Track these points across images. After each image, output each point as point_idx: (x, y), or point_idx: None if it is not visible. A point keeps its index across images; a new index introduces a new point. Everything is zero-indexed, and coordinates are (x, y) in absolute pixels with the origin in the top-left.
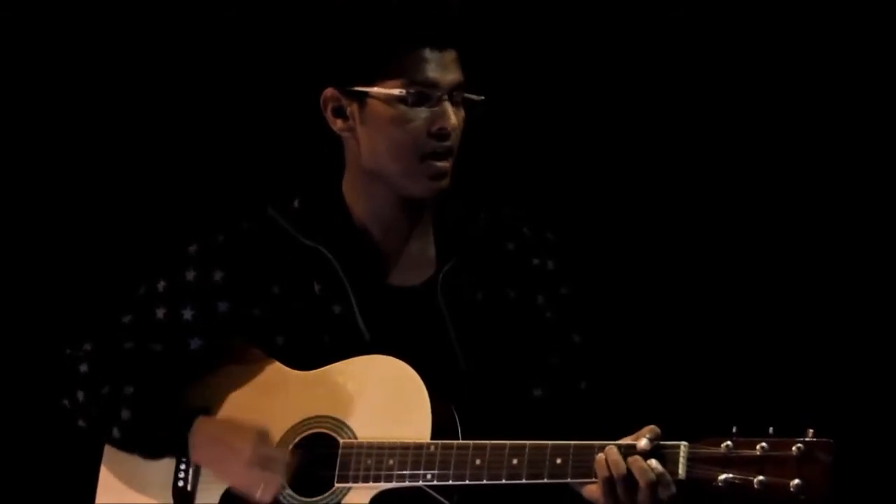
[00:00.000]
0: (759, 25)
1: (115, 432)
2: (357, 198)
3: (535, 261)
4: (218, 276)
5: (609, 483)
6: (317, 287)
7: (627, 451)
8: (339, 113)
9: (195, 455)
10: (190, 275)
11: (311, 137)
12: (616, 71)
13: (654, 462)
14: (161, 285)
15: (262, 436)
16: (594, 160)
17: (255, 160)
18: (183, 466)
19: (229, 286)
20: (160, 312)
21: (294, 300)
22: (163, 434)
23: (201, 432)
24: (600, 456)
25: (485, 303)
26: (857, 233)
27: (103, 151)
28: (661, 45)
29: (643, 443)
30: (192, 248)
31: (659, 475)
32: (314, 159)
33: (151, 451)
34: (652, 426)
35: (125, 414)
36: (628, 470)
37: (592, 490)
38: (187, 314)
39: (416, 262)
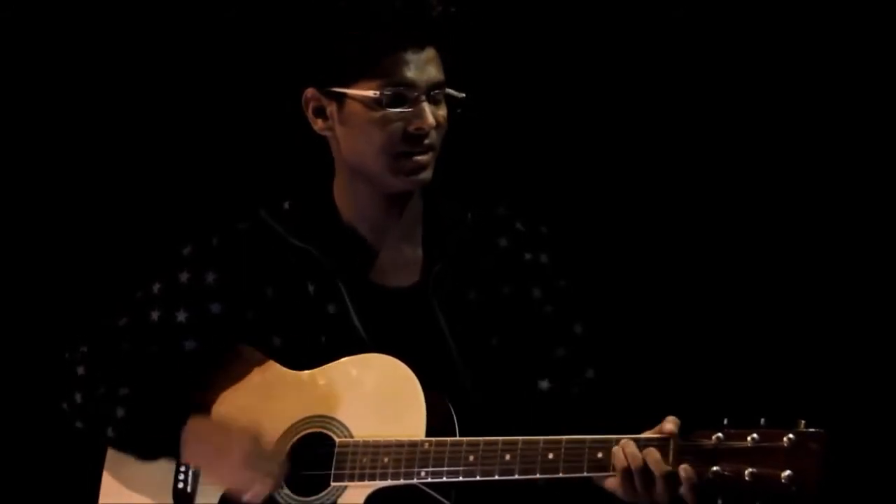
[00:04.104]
0: (760, 25)
1: (110, 431)
2: (344, 197)
3: (528, 255)
4: (211, 277)
5: (627, 474)
6: (310, 288)
7: (646, 443)
8: (319, 113)
9: (186, 454)
10: (183, 277)
11: (304, 138)
12: (616, 70)
13: None
14: (155, 287)
15: (254, 437)
16: (594, 160)
17: (248, 162)
18: (183, 468)
19: (222, 288)
20: (154, 315)
21: (288, 301)
22: (156, 433)
23: (193, 432)
24: (617, 448)
25: (478, 301)
26: (848, 227)
27: (98, 154)
28: (662, 45)
29: (669, 427)
30: (186, 251)
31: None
32: (306, 160)
33: (145, 451)
34: (671, 417)
35: (120, 412)
36: (644, 462)
37: (612, 483)
38: (181, 316)
39: (407, 263)
